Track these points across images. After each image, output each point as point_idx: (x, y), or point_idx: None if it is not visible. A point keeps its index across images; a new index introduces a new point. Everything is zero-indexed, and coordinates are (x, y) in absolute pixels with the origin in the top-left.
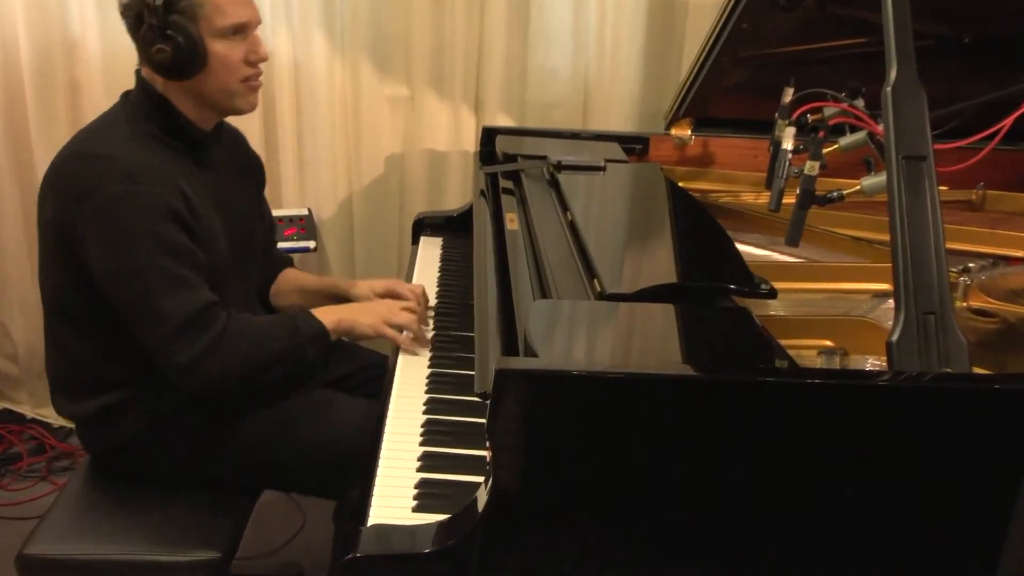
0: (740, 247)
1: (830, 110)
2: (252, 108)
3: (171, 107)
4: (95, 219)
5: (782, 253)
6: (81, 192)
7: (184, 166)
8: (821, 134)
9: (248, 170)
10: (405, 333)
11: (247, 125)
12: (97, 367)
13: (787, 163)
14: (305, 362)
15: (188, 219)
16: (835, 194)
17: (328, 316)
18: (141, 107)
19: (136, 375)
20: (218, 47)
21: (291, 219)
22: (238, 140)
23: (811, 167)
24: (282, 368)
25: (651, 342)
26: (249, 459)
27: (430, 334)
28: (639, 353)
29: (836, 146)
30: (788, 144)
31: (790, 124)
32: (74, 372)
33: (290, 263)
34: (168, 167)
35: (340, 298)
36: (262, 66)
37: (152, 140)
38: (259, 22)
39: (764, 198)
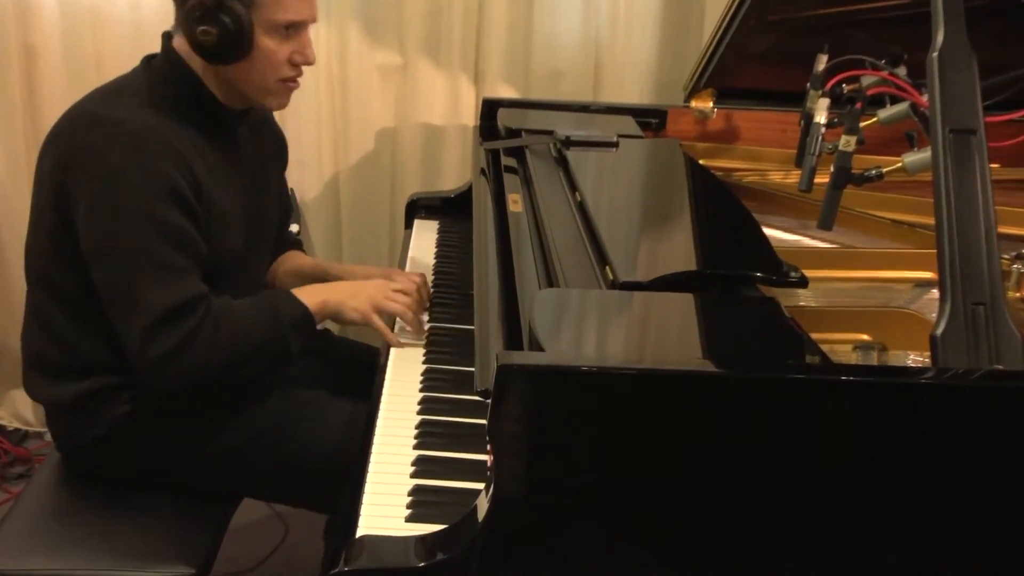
0: (767, 231)
1: (868, 79)
2: (282, 107)
3: (198, 80)
4: (91, 187)
5: (814, 238)
6: (82, 155)
7: (202, 143)
8: (858, 106)
9: (273, 151)
10: (397, 328)
11: None
12: (84, 347)
13: (820, 138)
14: (288, 350)
15: (192, 202)
16: (873, 172)
17: (312, 297)
18: (165, 76)
19: (121, 363)
20: (266, 41)
21: None
22: (265, 118)
23: (847, 142)
24: (263, 360)
25: (669, 335)
26: (228, 463)
27: (426, 326)
28: (655, 347)
29: (875, 119)
30: (821, 117)
31: (823, 95)
32: (57, 351)
33: (298, 245)
34: (182, 142)
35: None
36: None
37: (171, 111)
38: (315, 21)
39: (794, 177)
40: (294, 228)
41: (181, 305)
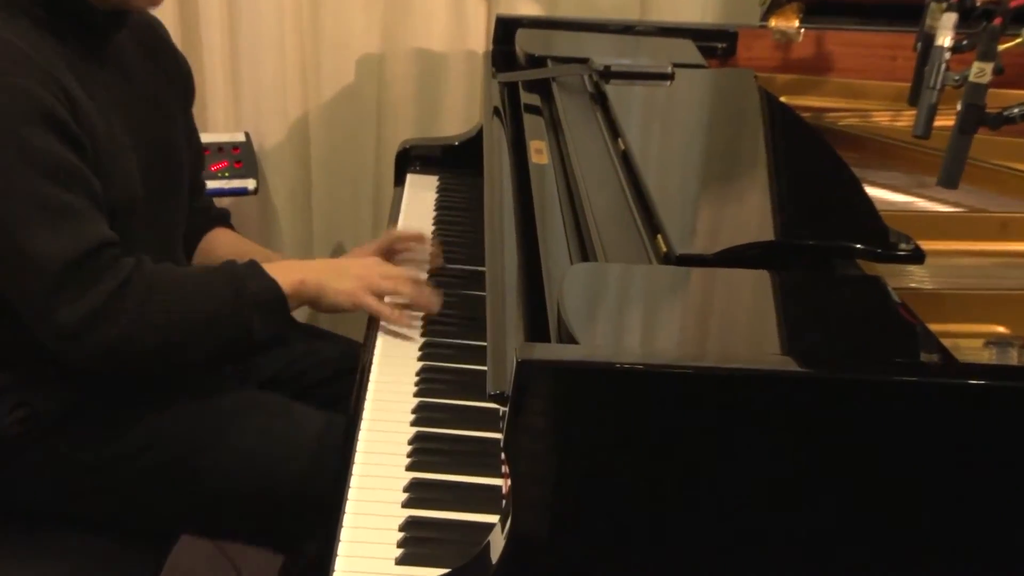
0: (870, 191)
1: None
2: (154, 5)
3: None
4: None
5: (932, 199)
6: None
7: (73, 58)
8: (997, 22)
9: (171, 75)
10: (393, 307)
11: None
12: None
13: (943, 67)
14: (249, 335)
15: (74, 129)
16: (1016, 111)
17: (286, 274)
18: None
19: (9, 354)
20: None
21: (221, 148)
22: (157, 33)
23: (980, 71)
24: (215, 341)
25: (739, 324)
26: (160, 488)
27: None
28: (721, 340)
29: (1019, 39)
30: (945, 39)
31: (948, 8)
32: None
33: (224, 220)
34: (47, 56)
35: None
36: None
37: (23, 17)
38: None
39: (906, 119)
40: (249, 184)
41: (87, 254)
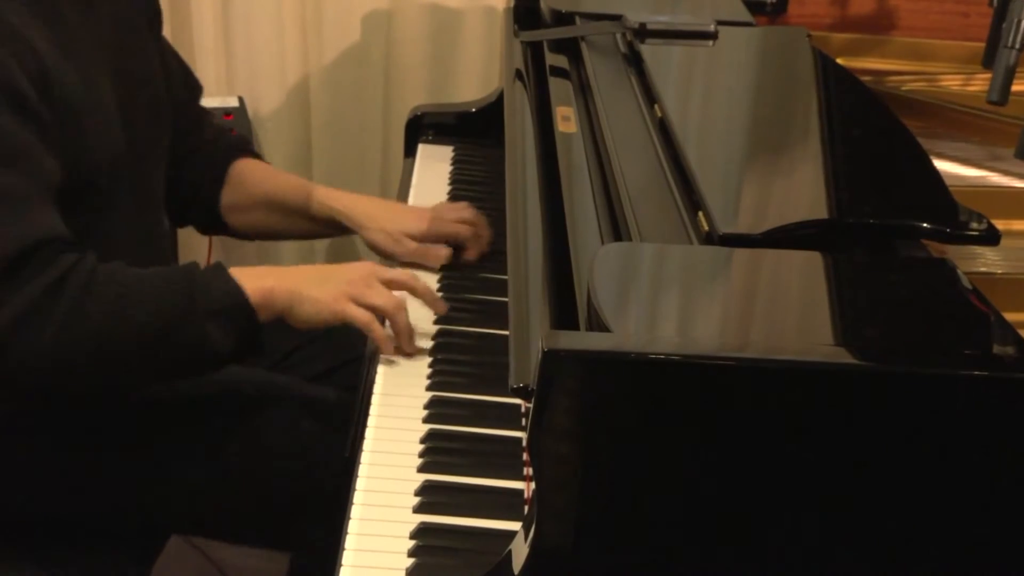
0: (938, 164)
1: None
2: None
3: None
4: None
5: (1008, 174)
6: None
7: (45, 6)
8: None
9: (136, 4)
10: (388, 327)
11: None
12: None
13: (1023, 23)
14: (205, 347)
15: (32, 100)
16: None
17: (255, 280)
18: None
19: None
20: None
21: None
22: None
23: None
24: (164, 353)
25: (788, 312)
26: (139, 483)
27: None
28: (768, 329)
29: None
30: None
31: None
32: None
33: (246, 150)
34: (19, 11)
35: (335, 224)
36: None
37: None
38: None
39: (980, 83)
40: None
41: (23, 252)
